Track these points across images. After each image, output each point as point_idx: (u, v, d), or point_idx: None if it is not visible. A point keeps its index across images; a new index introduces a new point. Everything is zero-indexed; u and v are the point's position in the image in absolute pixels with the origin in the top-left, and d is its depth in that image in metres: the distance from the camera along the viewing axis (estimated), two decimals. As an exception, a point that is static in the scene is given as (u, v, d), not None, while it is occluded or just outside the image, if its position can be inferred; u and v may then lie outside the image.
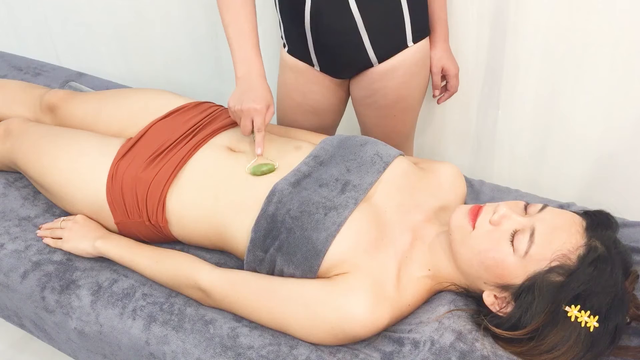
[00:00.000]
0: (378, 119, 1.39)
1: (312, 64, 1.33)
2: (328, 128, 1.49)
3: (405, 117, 1.40)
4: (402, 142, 1.47)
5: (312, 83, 1.36)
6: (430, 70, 1.39)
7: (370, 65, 1.28)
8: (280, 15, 1.30)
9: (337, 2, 1.19)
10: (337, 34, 1.23)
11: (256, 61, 1.17)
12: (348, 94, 1.43)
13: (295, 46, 1.32)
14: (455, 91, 1.46)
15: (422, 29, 1.29)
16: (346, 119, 1.56)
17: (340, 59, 1.29)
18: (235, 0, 1.17)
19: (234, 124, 1.27)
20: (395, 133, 1.42)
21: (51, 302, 1.12)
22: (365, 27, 1.21)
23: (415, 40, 1.27)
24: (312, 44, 1.27)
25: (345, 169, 1.07)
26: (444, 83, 1.45)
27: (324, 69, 1.33)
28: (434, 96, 1.48)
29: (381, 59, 1.26)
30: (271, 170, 1.10)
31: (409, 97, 1.35)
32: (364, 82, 1.32)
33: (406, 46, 1.26)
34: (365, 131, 1.48)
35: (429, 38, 1.34)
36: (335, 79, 1.36)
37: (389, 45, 1.26)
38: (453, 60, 1.41)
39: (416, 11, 1.25)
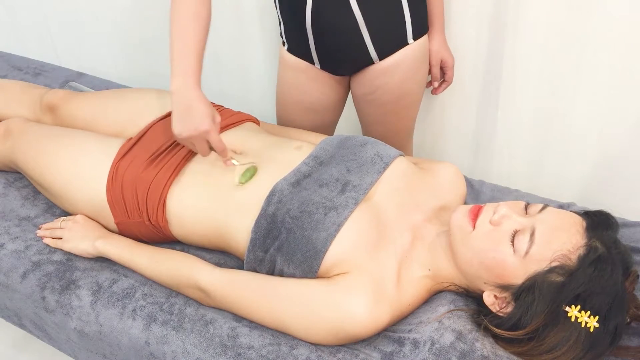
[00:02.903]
0: (380, 116, 1.39)
1: (312, 62, 1.33)
2: (327, 126, 1.49)
3: (407, 113, 1.40)
4: (402, 140, 1.47)
5: (312, 81, 1.36)
6: (430, 63, 1.39)
7: (372, 62, 1.28)
8: (281, 14, 1.30)
9: (338, 1, 1.19)
10: (338, 32, 1.23)
11: (194, 71, 1.08)
12: (348, 91, 1.44)
13: (296, 44, 1.32)
14: (451, 82, 1.47)
15: (422, 26, 1.29)
16: (345, 118, 1.56)
17: (341, 56, 1.29)
18: (187, 14, 1.09)
19: (234, 125, 1.27)
20: (396, 130, 1.43)
21: (51, 302, 1.12)
22: (366, 25, 1.21)
23: (415, 38, 1.27)
24: (313, 43, 1.27)
25: (345, 169, 1.07)
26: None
27: (324, 66, 1.33)
28: (431, 85, 1.48)
29: (382, 56, 1.27)
30: (255, 171, 1.09)
31: (411, 93, 1.35)
32: (365, 79, 1.32)
33: (406, 43, 1.27)
34: (366, 129, 1.48)
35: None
36: (336, 76, 1.36)
37: (390, 43, 1.26)
38: (450, 51, 1.42)
39: (416, 8, 1.26)
